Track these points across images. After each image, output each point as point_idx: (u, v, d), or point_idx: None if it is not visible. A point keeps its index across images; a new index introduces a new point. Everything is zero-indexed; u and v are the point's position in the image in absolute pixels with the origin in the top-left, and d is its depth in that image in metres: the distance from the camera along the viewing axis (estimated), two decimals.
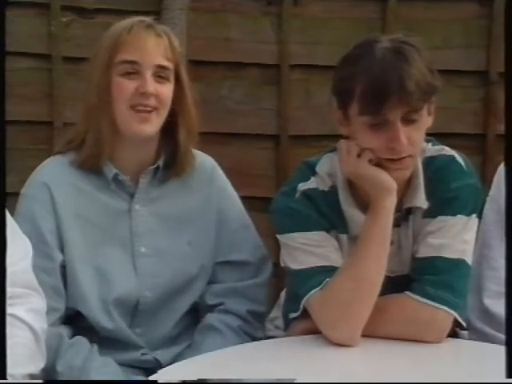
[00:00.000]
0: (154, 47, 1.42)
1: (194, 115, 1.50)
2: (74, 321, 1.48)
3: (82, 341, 1.44)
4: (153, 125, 1.44)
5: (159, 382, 0.97)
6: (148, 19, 1.47)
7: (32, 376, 1.26)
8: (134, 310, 1.49)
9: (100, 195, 1.48)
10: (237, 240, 1.57)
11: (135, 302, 1.49)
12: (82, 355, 1.41)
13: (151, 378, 1.24)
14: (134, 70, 1.42)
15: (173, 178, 1.53)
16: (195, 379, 1.18)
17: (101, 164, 1.46)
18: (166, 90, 1.44)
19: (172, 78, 1.45)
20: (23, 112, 2.34)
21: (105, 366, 1.41)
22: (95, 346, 1.44)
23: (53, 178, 1.46)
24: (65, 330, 1.44)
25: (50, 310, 1.41)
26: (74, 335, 1.45)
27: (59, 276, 1.44)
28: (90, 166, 1.46)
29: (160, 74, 1.43)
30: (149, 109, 1.42)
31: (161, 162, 1.50)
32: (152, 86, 1.41)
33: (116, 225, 1.48)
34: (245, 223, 1.60)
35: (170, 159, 1.51)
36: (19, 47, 2.29)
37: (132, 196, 1.49)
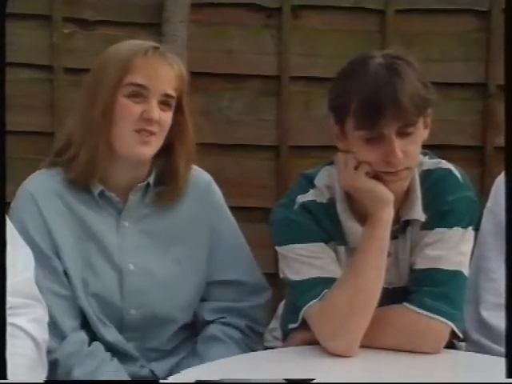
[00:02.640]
0: (165, 76, 1.43)
1: (193, 142, 1.51)
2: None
3: (98, 348, 1.44)
4: (152, 148, 1.44)
5: (160, 382, 0.98)
6: (159, 45, 1.48)
7: None
8: (121, 326, 1.49)
9: (88, 210, 1.47)
10: (231, 260, 1.56)
11: (121, 319, 1.48)
12: (95, 362, 1.41)
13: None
14: (140, 94, 1.41)
15: (164, 198, 1.51)
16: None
17: (88, 181, 1.45)
18: (167, 117, 1.45)
19: (174, 105, 1.46)
20: (25, 122, 2.36)
21: (115, 375, 1.41)
22: (109, 355, 1.44)
23: (38, 188, 1.45)
24: (85, 336, 1.45)
25: (70, 318, 1.44)
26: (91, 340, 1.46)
27: (67, 284, 1.45)
28: (80, 182, 1.46)
29: (164, 101, 1.44)
30: (150, 134, 1.42)
31: (151, 180, 1.49)
32: (158, 113, 1.42)
33: (104, 241, 1.47)
34: (239, 242, 1.60)
35: (161, 178, 1.50)
36: (21, 58, 2.31)
37: (120, 212, 1.48)
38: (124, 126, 1.42)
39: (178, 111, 1.48)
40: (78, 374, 1.40)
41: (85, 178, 1.45)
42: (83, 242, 1.46)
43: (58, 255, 1.44)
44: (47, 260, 1.43)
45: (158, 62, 1.43)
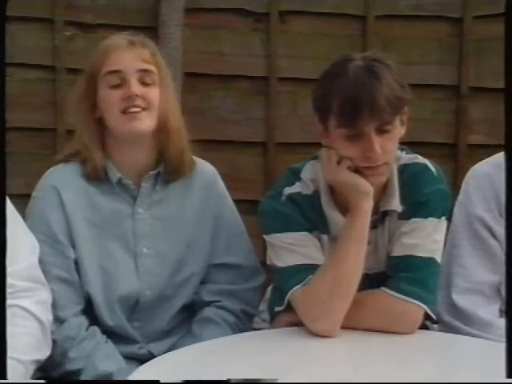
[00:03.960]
0: (135, 55, 1.45)
1: (180, 116, 1.52)
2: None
3: (94, 332, 1.45)
4: (144, 122, 1.44)
5: (161, 381, 0.97)
6: (124, 35, 1.49)
7: (38, 362, 1.27)
8: (133, 307, 1.51)
9: (105, 199, 1.48)
10: (232, 244, 1.57)
11: (136, 300, 1.50)
12: (91, 345, 1.42)
13: (153, 361, 1.25)
14: (120, 81, 1.43)
15: (174, 182, 1.53)
16: (191, 366, 1.20)
17: (106, 171, 1.47)
18: (152, 93, 1.45)
19: (157, 81, 1.46)
20: (29, 119, 2.35)
21: (109, 356, 1.42)
22: (104, 338, 1.45)
23: (61, 182, 1.47)
24: (85, 321, 1.45)
25: (72, 303, 1.44)
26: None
27: (75, 272, 1.45)
28: (95, 176, 1.48)
29: (145, 78, 1.45)
30: (138, 110, 1.43)
31: (161, 168, 1.51)
32: (136, 88, 1.43)
33: (120, 226, 1.49)
34: (240, 229, 1.61)
35: (170, 165, 1.52)
36: (25, 59, 2.31)
37: (135, 199, 1.50)
38: (111, 111, 1.44)
39: (161, 87, 1.48)
40: (73, 356, 1.40)
41: (100, 172, 1.46)
42: (101, 231, 1.48)
43: (73, 244, 1.45)
44: (61, 248, 1.44)
45: (126, 46, 1.45)
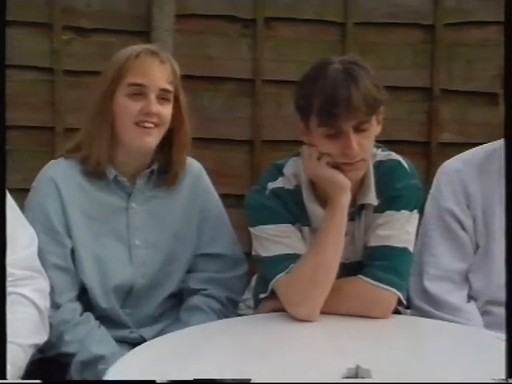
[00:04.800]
0: (159, 72, 1.43)
1: (189, 132, 1.51)
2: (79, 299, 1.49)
3: (88, 318, 1.45)
4: (154, 139, 1.45)
5: (157, 382, 0.95)
6: (154, 47, 1.48)
7: (36, 346, 1.26)
8: (127, 294, 1.51)
9: (101, 194, 1.48)
10: (217, 236, 1.57)
11: (129, 288, 1.50)
12: (85, 330, 1.42)
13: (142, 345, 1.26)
14: (139, 92, 1.42)
15: (165, 183, 1.53)
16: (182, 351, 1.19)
17: (103, 169, 1.47)
18: (167, 111, 1.45)
19: (172, 99, 1.46)
20: (28, 118, 2.33)
21: (102, 341, 1.42)
22: (97, 323, 1.45)
23: (60, 176, 1.46)
24: (79, 307, 1.45)
25: (67, 290, 1.43)
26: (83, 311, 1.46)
27: (70, 260, 1.45)
28: (94, 172, 1.47)
29: (163, 96, 1.43)
30: (151, 126, 1.43)
31: (155, 167, 1.51)
32: (155, 107, 1.42)
33: (114, 220, 1.49)
34: (224, 221, 1.61)
35: (163, 166, 1.52)
36: (25, 62, 2.29)
37: (129, 195, 1.50)
38: (125, 121, 1.43)
39: (176, 104, 1.47)
40: (68, 339, 1.40)
41: (99, 168, 1.45)
42: (96, 223, 1.47)
43: (69, 234, 1.44)
44: (58, 237, 1.43)
45: (151, 60, 1.43)
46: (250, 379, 0.89)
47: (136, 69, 1.42)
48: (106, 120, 1.44)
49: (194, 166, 1.60)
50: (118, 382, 1.00)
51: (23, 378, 1.40)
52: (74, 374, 1.39)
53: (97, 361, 1.37)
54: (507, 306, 0.77)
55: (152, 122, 1.42)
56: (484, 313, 1.50)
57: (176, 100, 1.47)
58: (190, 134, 1.52)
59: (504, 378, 0.79)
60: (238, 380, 0.93)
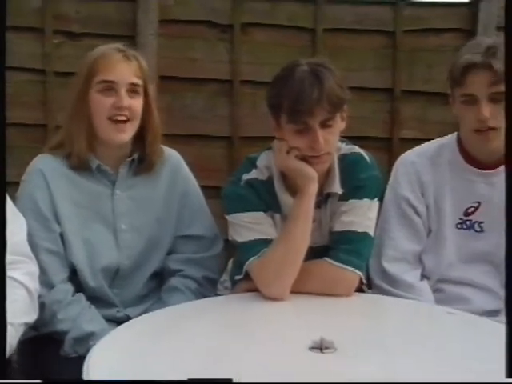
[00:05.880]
0: (127, 68, 1.43)
1: (159, 123, 1.52)
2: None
3: (80, 298, 1.45)
4: (127, 133, 1.45)
5: (158, 381, 0.94)
6: (120, 46, 1.47)
7: (27, 324, 1.26)
8: (114, 275, 1.51)
9: (88, 183, 1.48)
10: (195, 218, 1.58)
11: (116, 269, 1.50)
12: (77, 309, 1.42)
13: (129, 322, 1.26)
14: (110, 88, 1.43)
15: (143, 170, 1.54)
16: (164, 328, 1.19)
17: (87, 161, 1.47)
18: (138, 103, 1.45)
19: (142, 92, 1.46)
20: (22, 116, 2.31)
21: (92, 319, 1.42)
22: (88, 303, 1.45)
23: (47, 168, 1.46)
24: (71, 288, 1.45)
25: (59, 272, 1.43)
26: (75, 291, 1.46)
27: (60, 244, 1.45)
28: (78, 166, 1.47)
29: (132, 90, 1.44)
30: (124, 119, 1.43)
31: (136, 156, 1.51)
32: (126, 101, 1.42)
33: (101, 206, 1.49)
34: (202, 205, 1.62)
35: (142, 155, 1.53)
36: (19, 64, 2.27)
37: (113, 183, 1.50)
38: (100, 116, 1.43)
39: (145, 98, 1.48)
40: (61, 317, 1.40)
41: (82, 163, 1.46)
42: (84, 210, 1.47)
43: (58, 220, 1.44)
44: (47, 223, 1.43)
45: (118, 58, 1.44)
46: (231, 379, 0.88)
47: (105, 67, 1.43)
48: (83, 117, 1.44)
49: (172, 155, 1.60)
50: (118, 382, 0.96)
51: (21, 355, 1.40)
52: (67, 349, 1.39)
53: (88, 337, 1.37)
54: (507, 306, 0.75)
55: (124, 115, 1.43)
56: (436, 290, 1.53)
57: (145, 94, 1.48)
58: (160, 126, 1.52)
59: None
60: (220, 380, 0.93)
